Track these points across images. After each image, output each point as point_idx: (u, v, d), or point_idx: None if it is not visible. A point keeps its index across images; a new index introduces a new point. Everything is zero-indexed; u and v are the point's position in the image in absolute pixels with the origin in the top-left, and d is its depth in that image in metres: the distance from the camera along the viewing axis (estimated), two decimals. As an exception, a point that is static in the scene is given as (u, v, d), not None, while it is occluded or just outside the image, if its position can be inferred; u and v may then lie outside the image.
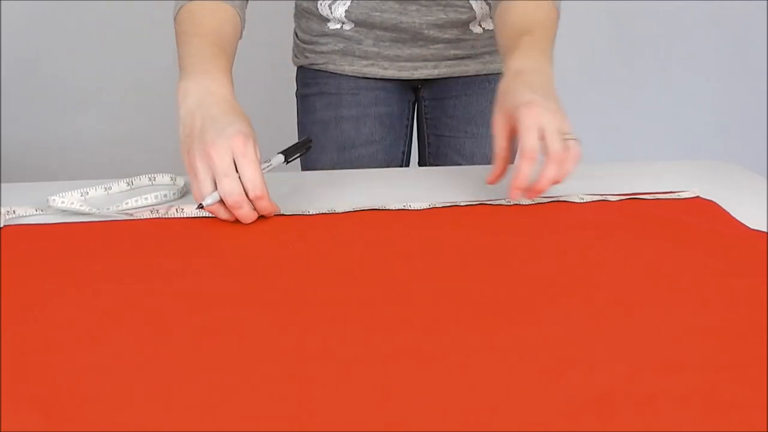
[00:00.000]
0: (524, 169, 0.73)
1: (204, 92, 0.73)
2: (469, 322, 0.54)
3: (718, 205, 0.77)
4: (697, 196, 0.80)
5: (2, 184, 0.80)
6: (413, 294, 0.58)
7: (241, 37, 0.88)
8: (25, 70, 1.94)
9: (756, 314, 0.55)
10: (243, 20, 0.88)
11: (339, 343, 0.51)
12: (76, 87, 1.97)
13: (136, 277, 0.60)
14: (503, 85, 0.79)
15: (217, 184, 0.67)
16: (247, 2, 0.91)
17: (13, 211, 0.71)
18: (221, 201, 0.68)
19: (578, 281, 0.60)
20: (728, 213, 0.75)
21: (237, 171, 0.67)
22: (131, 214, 0.72)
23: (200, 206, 0.68)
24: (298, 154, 0.79)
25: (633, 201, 0.78)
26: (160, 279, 0.60)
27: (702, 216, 0.75)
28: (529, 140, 0.72)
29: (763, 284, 0.60)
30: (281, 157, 0.77)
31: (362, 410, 0.44)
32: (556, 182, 0.74)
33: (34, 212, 0.72)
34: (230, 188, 0.67)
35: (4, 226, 0.69)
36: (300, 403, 0.44)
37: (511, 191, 0.74)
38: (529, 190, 0.74)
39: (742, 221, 0.73)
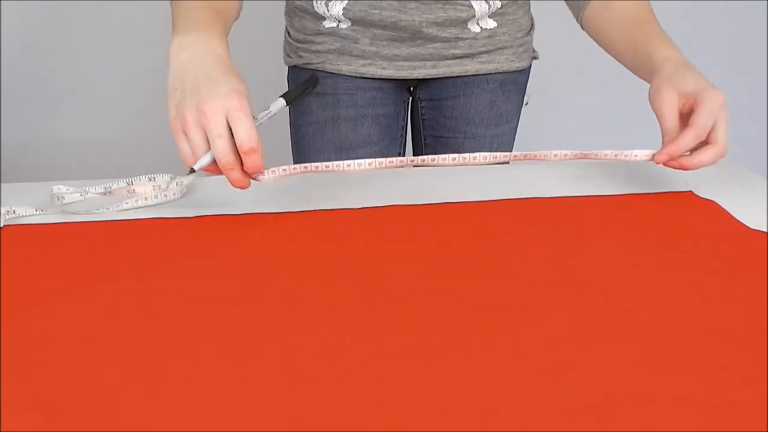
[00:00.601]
0: (688, 142, 0.75)
1: (200, 47, 0.72)
2: (470, 322, 0.54)
3: (717, 204, 0.77)
4: (690, 191, 0.80)
5: (2, 184, 0.80)
6: (413, 293, 0.58)
7: (237, 18, 0.87)
8: (25, 70, 1.94)
9: (756, 314, 0.55)
10: (240, 2, 0.88)
11: (339, 343, 0.51)
12: (76, 87, 1.97)
13: (136, 277, 0.60)
14: (668, 70, 0.80)
15: (211, 145, 0.67)
16: None
17: (14, 211, 0.71)
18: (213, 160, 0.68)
19: (578, 281, 0.60)
20: (728, 213, 0.75)
21: (231, 130, 0.67)
22: (136, 194, 0.75)
23: (192, 170, 0.68)
24: (301, 92, 0.77)
25: (632, 198, 0.78)
26: (160, 279, 0.60)
27: (701, 216, 0.75)
28: (707, 120, 0.74)
29: (763, 284, 0.60)
30: (281, 102, 0.74)
31: (362, 410, 0.44)
32: (696, 167, 0.76)
33: (34, 212, 0.72)
34: (224, 149, 0.66)
35: (4, 226, 0.69)
36: (300, 404, 0.44)
37: (661, 154, 0.76)
38: (676, 161, 0.76)
39: (742, 221, 0.73)
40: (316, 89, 1.08)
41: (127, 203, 0.74)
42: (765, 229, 0.71)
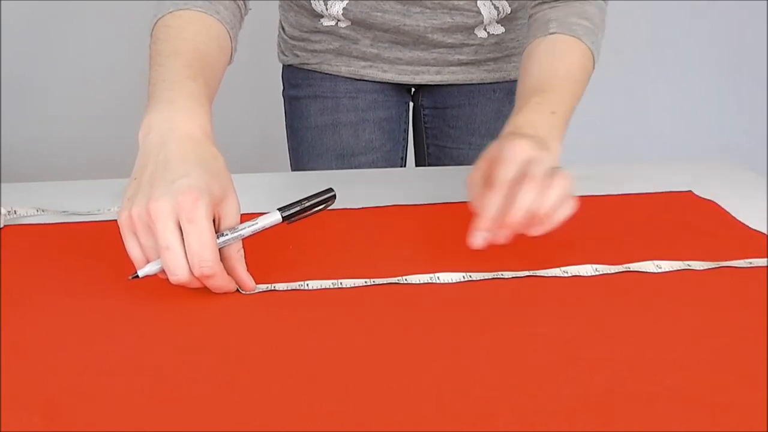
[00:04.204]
0: (491, 204, 0.59)
1: (166, 128, 0.59)
2: (470, 321, 0.54)
3: (717, 205, 0.77)
4: (690, 191, 0.80)
5: (2, 184, 0.80)
6: (413, 292, 0.58)
7: (231, 62, 0.76)
8: (25, 70, 1.94)
9: (756, 314, 0.55)
10: (233, 41, 0.76)
11: (339, 342, 0.51)
12: (76, 87, 1.97)
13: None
14: (493, 146, 0.66)
15: (160, 256, 0.54)
16: (240, 23, 0.79)
17: (14, 211, 0.71)
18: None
19: (578, 280, 0.60)
20: (728, 213, 0.75)
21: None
22: None
23: (135, 275, 0.55)
24: (308, 213, 0.60)
25: (632, 198, 0.78)
26: (161, 279, 0.60)
27: (701, 216, 0.75)
28: (504, 171, 0.60)
29: (763, 285, 0.60)
30: (276, 217, 0.59)
31: (365, 403, 0.44)
32: (536, 217, 0.59)
33: (35, 212, 0.72)
34: (174, 264, 0.53)
35: (4, 226, 0.69)
36: (301, 395, 0.44)
37: (472, 235, 0.60)
38: (498, 227, 0.59)
39: (742, 221, 0.73)
40: (314, 91, 1.03)
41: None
42: (765, 229, 0.71)
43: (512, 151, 0.61)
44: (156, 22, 0.72)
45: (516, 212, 0.58)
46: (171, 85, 0.63)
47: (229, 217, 0.57)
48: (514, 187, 0.59)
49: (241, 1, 0.80)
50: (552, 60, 0.76)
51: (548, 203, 0.59)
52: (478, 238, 0.59)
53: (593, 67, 0.78)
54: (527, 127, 0.67)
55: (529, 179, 0.59)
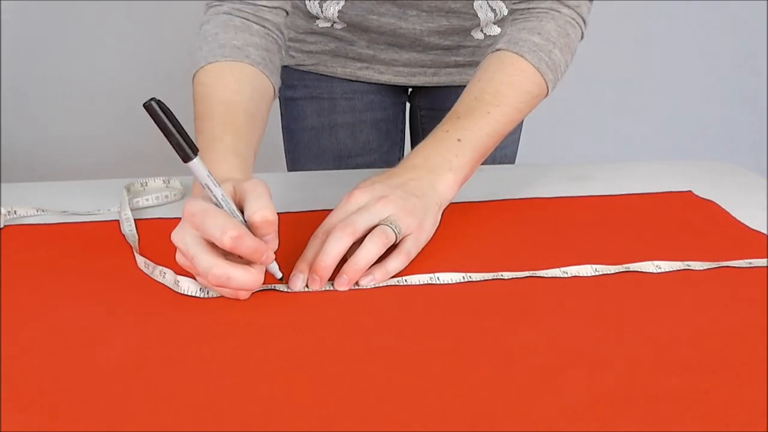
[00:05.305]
0: (308, 248, 0.61)
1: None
2: (470, 321, 0.54)
3: (717, 205, 0.77)
4: (689, 191, 0.80)
5: (2, 184, 0.80)
6: (413, 292, 0.58)
7: (275, 96, 0.77)
8: (25, 70, 1.94)
9: (756, 315, 0.55)
10: (270, 77, 0.76)
11: (338, 340, 0.51)
12: (76, 87, 1.98)
13: (136, 278, 0.60)
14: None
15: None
16: (279, 54, 0.80)
17: (14, 212, 0.71)
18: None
19: (578, 280, 0.61)
20: (728, 213, 0.75)
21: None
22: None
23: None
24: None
25: (632, 198, 0.78)
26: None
27: (701, 216, 0.75)
28: (329, 218, 0.62)
29: (763, 285, 0.60)
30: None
31: (363, 398, 0.44)
32: (354, 268, 0.58)
33: (35, 212, 0.72)
34: (203, 271, 0.54)
35: (4, 226, 0.69)
36: (300, 383, 0.44)
37: (292, 276, 0.59)
38: (311, 271, 0.59)
39: (742, 221, 0.73)
40: (310, 92, 1.03)
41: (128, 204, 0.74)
42: (765, 229, 0.71)
43: (345, 200, 0.63)
44: (193, 78, 0.74)
45: (320, 258, 0.58)
46: (208, 146, 0.65)
47: (249, 196, 0.56)
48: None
49: (278, 33, 0.79)
50: (486, 79, 0.74)
51: (359, 255, 0.58)
52: (296, 280, 0.59)
53: (546, 83, 0.75)
54: (419, 158, 0.69)
55: (341, 227, 0.59)
